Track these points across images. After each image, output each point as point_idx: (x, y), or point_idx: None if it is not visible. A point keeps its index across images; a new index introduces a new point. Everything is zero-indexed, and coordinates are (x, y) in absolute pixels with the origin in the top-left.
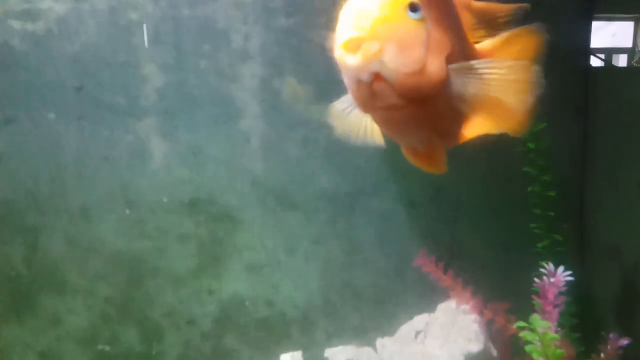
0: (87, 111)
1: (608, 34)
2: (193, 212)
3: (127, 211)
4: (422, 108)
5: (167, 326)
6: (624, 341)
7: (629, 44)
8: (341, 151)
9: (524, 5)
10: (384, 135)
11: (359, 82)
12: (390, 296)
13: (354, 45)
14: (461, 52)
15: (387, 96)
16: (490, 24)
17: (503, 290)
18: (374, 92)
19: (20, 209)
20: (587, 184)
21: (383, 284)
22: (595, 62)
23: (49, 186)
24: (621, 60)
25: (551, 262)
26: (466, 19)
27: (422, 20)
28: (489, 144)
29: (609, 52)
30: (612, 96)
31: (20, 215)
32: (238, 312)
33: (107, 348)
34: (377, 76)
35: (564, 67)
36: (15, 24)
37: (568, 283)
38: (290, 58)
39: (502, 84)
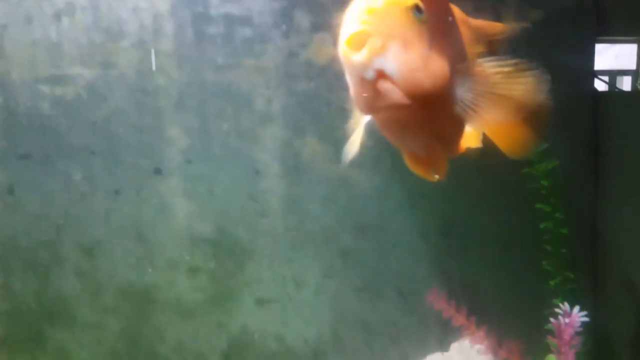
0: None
1: (611, 56)
2: (203, 245)
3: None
4: (425, 110)
5: None
6: None
7: (632, 65)
8: (362, 210)
9: (523, 24)
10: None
11: (362, 80)
12: (402, 333)
13: (358, 41)
14: (460, 60)
15: (390, 95)
16: (487, 42)
17: (516, 327)
18: (378, 90)
19: (32, 243)
20: (600, 220)
21: (395, 320)
22: (599, 84)
23: (61, 220)
24: (625, 82)
25: (563, 299)
26: (464, 34)
27: (425, 22)
28: (501, 178)
29: (613, 74)
30: (622, 126)
31: (32, 250)
32: (247, 346)
33: None
34: (380, 74)
35: (571, 92)
36: (45, 89)
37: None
38: (311, 120)
39: (507, 85)
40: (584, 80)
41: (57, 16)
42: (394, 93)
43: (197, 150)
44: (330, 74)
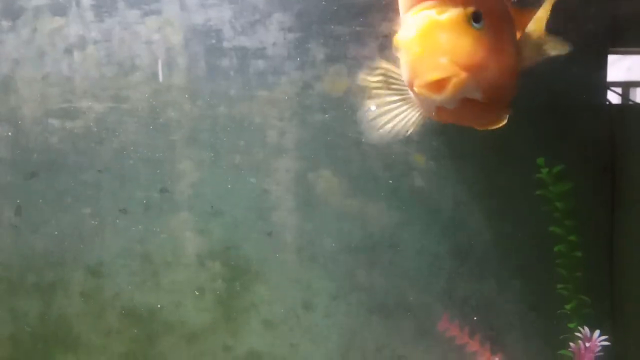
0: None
1: (623, 68)
2: (209, 265)
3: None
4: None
5: None
6: None
7: None
8: (376, 245)
9: None
10: None
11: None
12: (414, 357)
13: (439, 86)
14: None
15: (472, 107)
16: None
17: (532, 353)
18: (459, 108)
19: (38, 264)
20: (618, 243)
21: (406, 344)
22: (611, 96)
23: (66, 240)
24: (637, 94)
25: (578, 324)
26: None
27: (485, 28)
28: (515, 200)
29: (625, 86)
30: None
31: (38, 271)
32: None
33: None
34: (464, 101)
35: (584, 104)
36: (55, 122)
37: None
38: (325, 153)
39: None
40: (596, 93)
41: (69, 50)
42: (476, 105)
43: (208, 184)
44: (345, 106)
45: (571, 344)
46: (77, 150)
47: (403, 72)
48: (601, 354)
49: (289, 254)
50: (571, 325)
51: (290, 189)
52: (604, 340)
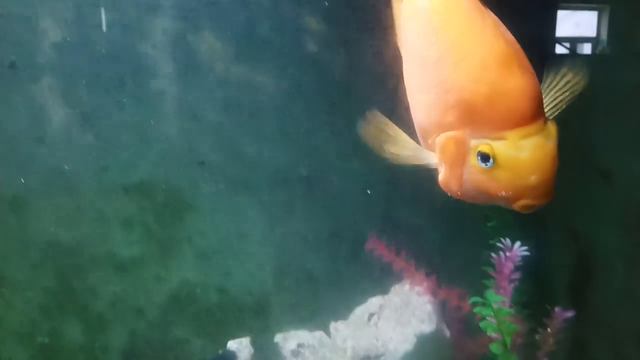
0: None
1: (572, 24)
2: (136, 195)
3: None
4: None
5: (111, 316)
6: (568, 314)
7: (592, 33)
8: (269, 117)
9: None
10: None
11: None
12: (344, 280)
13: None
14: None
15: None
16: None
17: (455, 269)
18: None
19: None
20: None
21: (338, 268)
22: (560, 50)
23: None
24: (585, 49)
25: (498, 240)
26: None
27: None
28: None
29: (574, 41)
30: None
31: None
32: (188, 300)
33: (47, 340)
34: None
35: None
36: None
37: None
38: (207, 12)
39: None
40: (545, 46)
41: None
42: None
43: (72, 46)
44: None
45: (493, 254)
46: None
47: (492, 183)
48: (521, 264)
49: (170, 127)
50: (492, 242)
51: (169, 53)
52: (524, 250)
